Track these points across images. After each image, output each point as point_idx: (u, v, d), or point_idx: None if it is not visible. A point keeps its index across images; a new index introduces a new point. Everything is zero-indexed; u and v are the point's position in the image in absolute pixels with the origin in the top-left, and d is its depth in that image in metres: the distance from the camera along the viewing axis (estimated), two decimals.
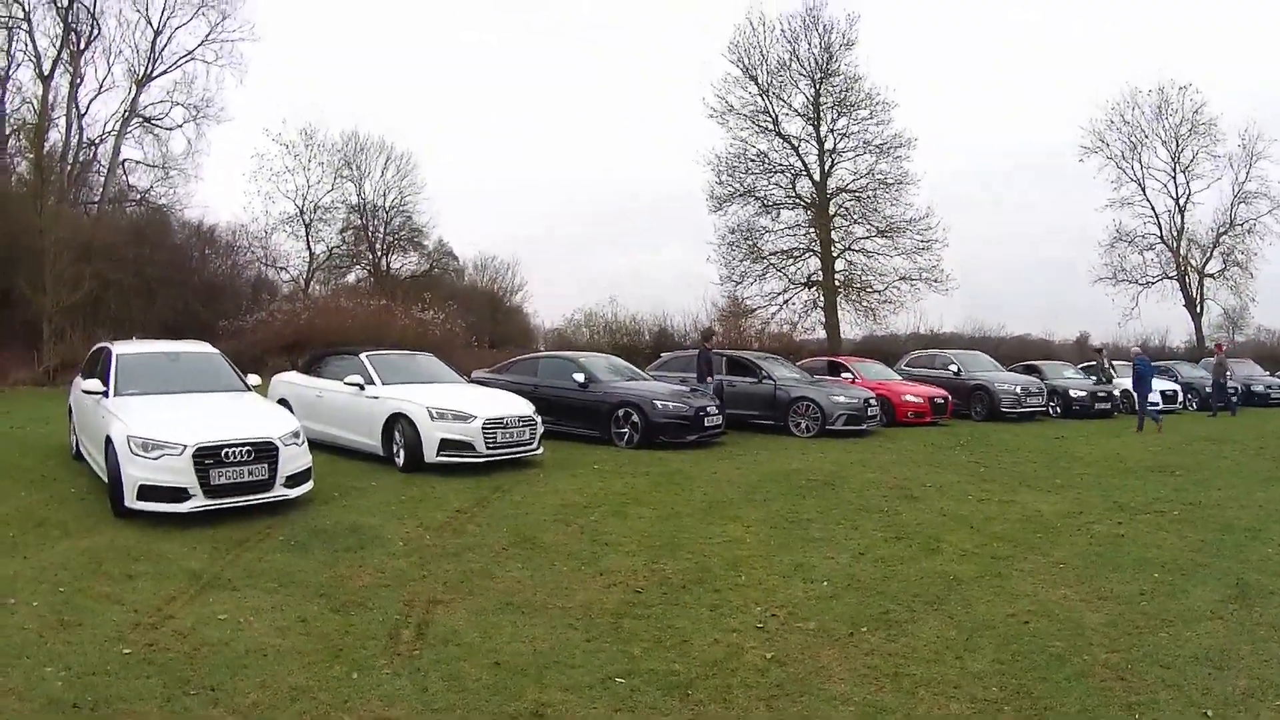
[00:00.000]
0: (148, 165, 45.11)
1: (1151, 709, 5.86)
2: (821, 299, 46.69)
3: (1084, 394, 28.93)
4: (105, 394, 11.53)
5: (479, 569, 8.91)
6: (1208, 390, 30.98)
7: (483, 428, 14.19)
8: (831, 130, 46.25)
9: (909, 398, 24.27)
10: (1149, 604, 8.05)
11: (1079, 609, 7.92)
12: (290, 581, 8.27)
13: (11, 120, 41.36)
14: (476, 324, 44.22)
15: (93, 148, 42.86)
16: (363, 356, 15.88)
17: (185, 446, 10.00)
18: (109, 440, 10.42)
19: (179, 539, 9.56)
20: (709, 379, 20.31)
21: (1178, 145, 51.62)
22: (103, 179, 43.66)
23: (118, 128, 43.14)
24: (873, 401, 22.09)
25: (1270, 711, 5.81)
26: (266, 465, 10.52)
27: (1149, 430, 23.87)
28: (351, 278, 52.08)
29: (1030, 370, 30.89)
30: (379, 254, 52.55)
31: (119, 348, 12.71)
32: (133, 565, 8.65)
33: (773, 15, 46.90)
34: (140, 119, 44.20)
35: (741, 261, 47.73)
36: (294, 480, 10.96)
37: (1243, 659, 6.71)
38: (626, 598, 8.06)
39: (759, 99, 46.65)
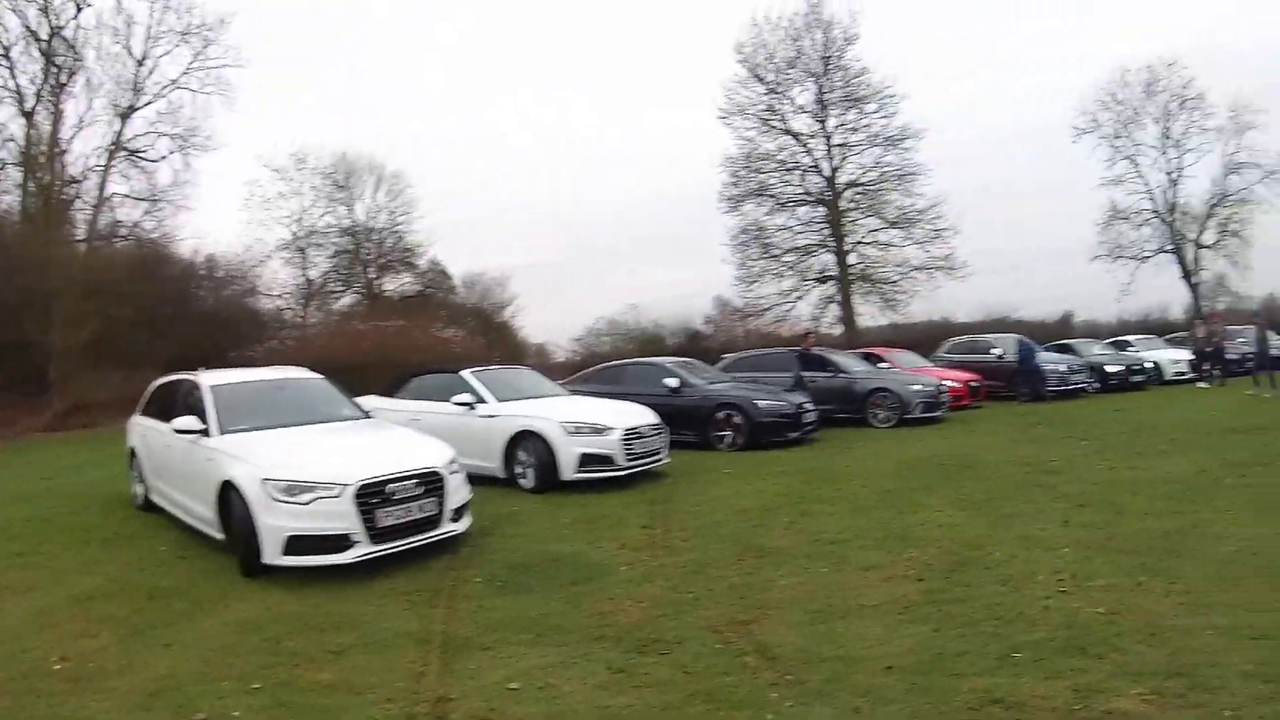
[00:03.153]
0: (135, 199, 41.94)
1: None
2: (838, 294, 46.14)
3: (1120, 368, 29.28)
4: (205, 432, 9.75)
5: (746, 583, 7.96)
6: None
7: (622, 439, 12.96)
8: (840, 125, 46.13)
9: (948, 383, 23.22)
10: None
11: None
12: (548, 628, 6.98)
13: None
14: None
15: (75, 185, 39.87)
16: (465, 374, 14.54)
17: (345, 485, 8.40)
18: (229, 486, 8.81)
19: (355, 598, 7.97)
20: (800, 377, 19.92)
21: (1168, 120, 52.07)
22: (90, 215, 40.56)
23: (103, 162, 40.28)
24: (944, 388, 21.67)
25: None
26: (435, 499, 9.08)
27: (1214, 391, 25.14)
28: (347, 300, 50.49)
29: (1064, 350, 30.81)
30: (371, 275, 50.81)
31: (208, 378, 10.92)
32: (327, 638, 6.93)
33: (776, 14, 46.00)
34: (125, 152, 41.20)
35: (756, 260, 47.26)
36: (459, 513, 9.56)
37: None
38: (918, 588, 7.51)
39: (766, 98, 46.48)
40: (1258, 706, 4.88)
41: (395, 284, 51.80)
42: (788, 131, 46.07)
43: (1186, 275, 52.84)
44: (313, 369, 12.21)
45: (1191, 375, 30.08)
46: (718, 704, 5.33)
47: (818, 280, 46.55)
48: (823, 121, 45.72)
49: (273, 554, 8.30)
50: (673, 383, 17.48)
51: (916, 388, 20.58)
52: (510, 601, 7.62)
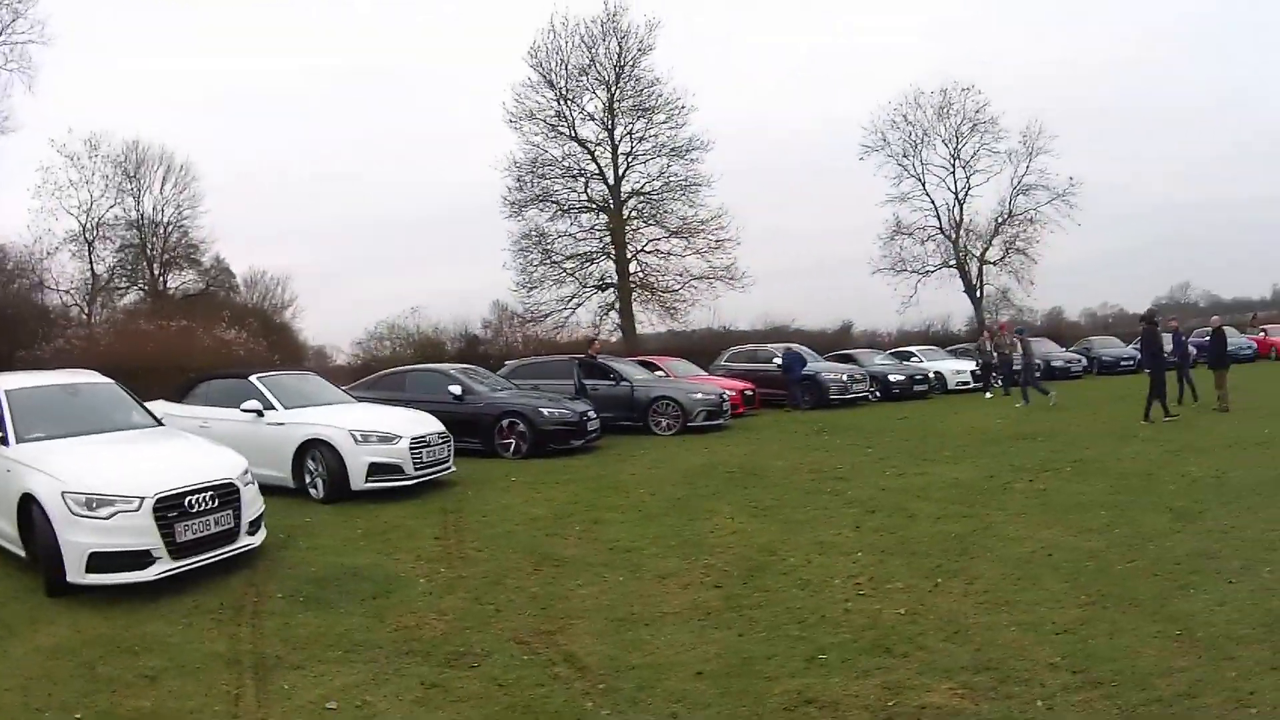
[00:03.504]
0: None
1: (1192, 587, 7.20)
2: (617, 301, 46.10)
3: (902, 378, 30.43)
4: (3, 440, 9.07)
5: (546, 592, 8.12)
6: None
7: (410, 448, 12.84)
8: (628, 134, 45.94)
9: (725, 393, 23.85)
10: (1121, 531, 9.20)
11: (1079, 540, 8.94)
12: (356, 644, 6.89)
13: None
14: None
15: None
16: (254, 379, 13.98)
17: (143, 499, 8.01)
18: (30, 500, 8.24)
19: (161, 617, 7.58)
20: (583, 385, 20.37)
21: (958, 142, 54.48)
22: None
23: None
24: (727, 397, 22.34)
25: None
26: (231, 512, 8.80)
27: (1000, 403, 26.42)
28: (131, 298, 47.27)
29: (846, 359, 32.17)
30: (156, 272, 47.86)
31: (2, 382, 10.04)
32: (140, 662, 6.61)
33: (574, 20, 44.49)
34: None
35: (537, 266, 46.37)
36: (254, 526, 9.32)
37: (1221, 553, 8.10)
38: (717, 594, 7.80)
39: (556, 104, 45.58)
40: (1069, 695, 5.28)
41: (179, 281, 49.38)
42: (575, 138, 45.93)
43: (969, 289, 55.08)
44: (99, 371, 11.68)
45: (975, 385, 31.68)
46: (535, 715, 5.44)
47: (598, 287, 46.60)
48: (611, 130, 45.84)
49: (76, 572, 7.86)
50: (457, 390, 17.52)
51: (699, 396, 21.17)
52: (315, 617, 7.49)
